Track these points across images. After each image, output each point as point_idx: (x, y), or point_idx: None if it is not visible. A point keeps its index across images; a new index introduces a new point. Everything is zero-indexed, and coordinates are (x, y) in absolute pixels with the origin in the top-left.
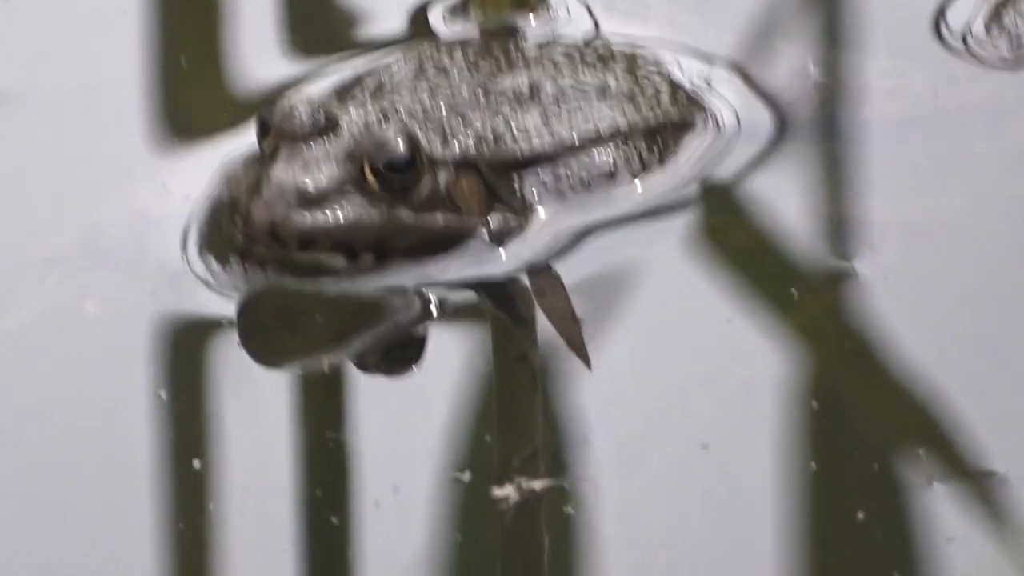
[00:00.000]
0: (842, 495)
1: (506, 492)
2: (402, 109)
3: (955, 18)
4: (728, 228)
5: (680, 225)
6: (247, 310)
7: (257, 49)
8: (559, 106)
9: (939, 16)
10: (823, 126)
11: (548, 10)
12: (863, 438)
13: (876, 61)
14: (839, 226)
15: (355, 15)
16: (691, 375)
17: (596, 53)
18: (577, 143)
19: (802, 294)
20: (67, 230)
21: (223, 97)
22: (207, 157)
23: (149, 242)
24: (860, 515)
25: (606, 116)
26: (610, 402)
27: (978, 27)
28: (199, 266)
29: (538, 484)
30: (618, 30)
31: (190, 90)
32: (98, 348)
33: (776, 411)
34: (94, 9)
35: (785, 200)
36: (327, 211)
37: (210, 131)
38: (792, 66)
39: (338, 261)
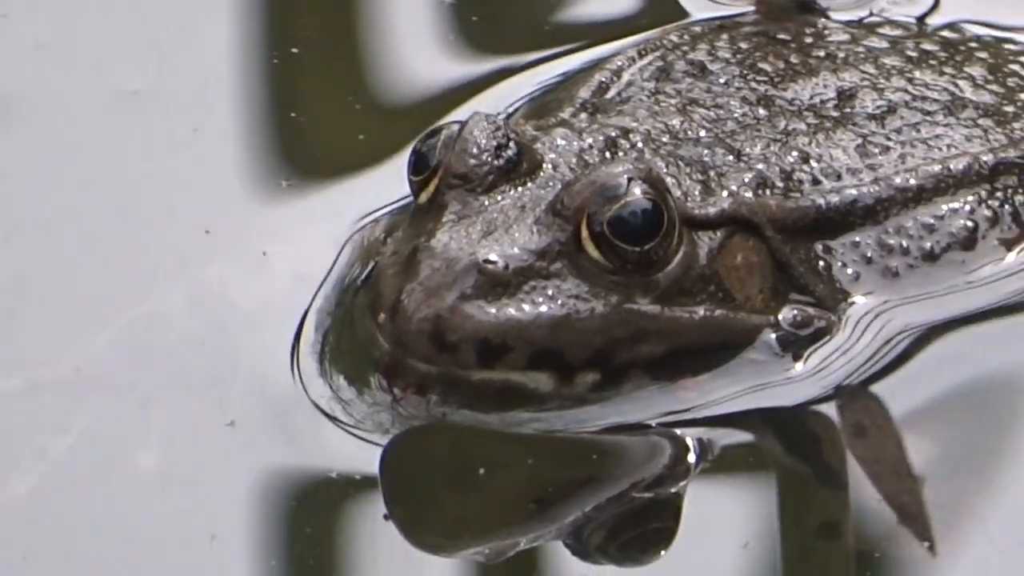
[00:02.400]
0: None
1: None
2: (638, 136)
3: None
4: None
5: None
6: (398, 461)
7: (411, 38)
8: (885, 129)
9: None
10: None
11: None
12: None
13: None
14: None
15: None
16: None
17: (941, 44)
18: (915, 189)
19: None
20: (107, 329)
21: (360, 114)
22: (332, 209)
23: (238, 349)
24: None
25: (960, 145)
26: None
27: None
28: (319, 389)
29: None
30: (975, 6)
31: (308, 105)
32: (161, 530)
33: None
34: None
35: None
36: (523, 302)
37: (338, 167)
38: None
39: (542, 382)
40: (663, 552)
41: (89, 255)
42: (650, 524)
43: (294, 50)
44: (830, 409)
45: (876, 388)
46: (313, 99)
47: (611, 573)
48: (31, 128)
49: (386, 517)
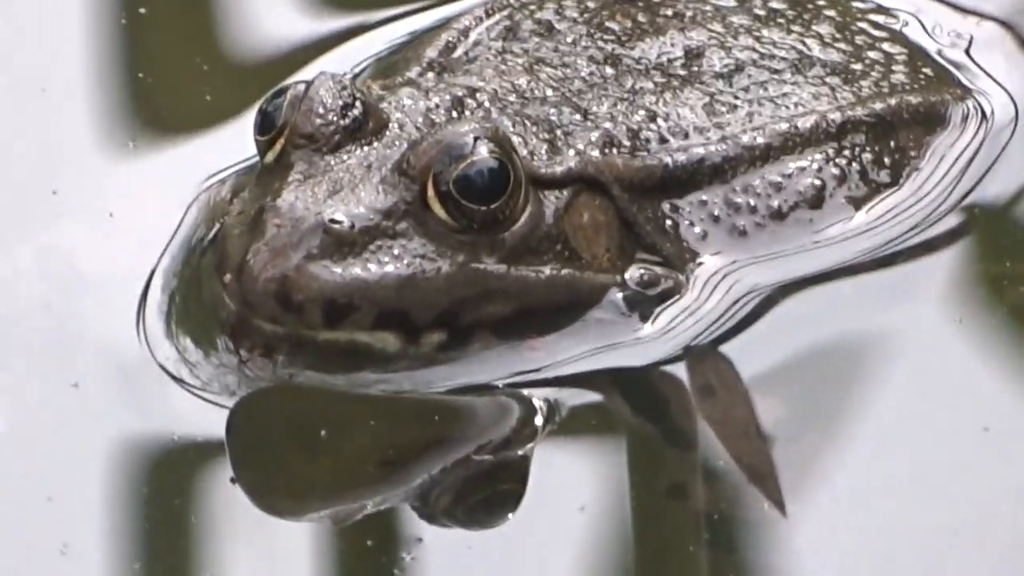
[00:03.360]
0: None
1: None
2: (485, 95)
3: None
4: (1007, 280)
5: (930, 278)
6: (244, 424)
7: (259, 2)
8: (733, 88)
9: None
10: None
11: None
12: None
13: None
14: None
15: None
16: (951, 521)
17: (790, 1)
18: (763, 147)
19: None
20: None
21: (207, 73)
22: (179, 170)
23: (85, 312)
24: None
25: (807, 103)
26: (818, 563)
27: None
28: (166, 351)
29: None
30: None
31: (151, 62)
32: (16, 493)
33: None
34: None
35: None
36: (368, 261)
37: (185, 127)
38: None
39: (388, 342)
40: (510, 515)
41: None
42: (498, 487)
43: (142, 10)
44: (678, 369)
45: (725, 348)
46: (161, 59)
47: (457, 535)
48: None
49: (233, 480)
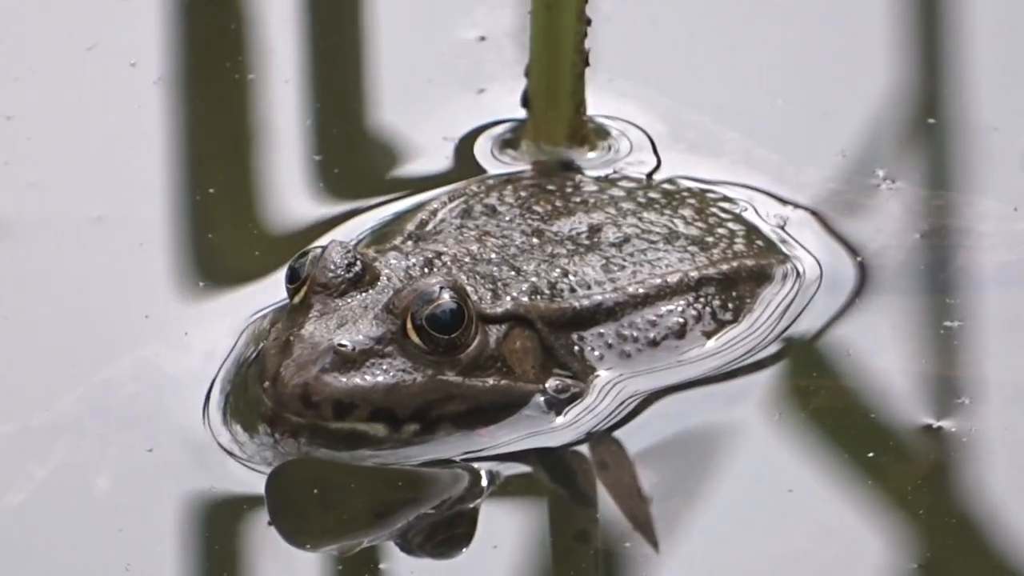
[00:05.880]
0: None
1: None
2: (448, 257)
3: None
4: (812, 390)
5: (759, 387)
6: (278, 485)
7: (291, 185)
8: (622, 253)
9: None
10: (916, 275)
11: (607, 144)
12: None
13: (973, 203)
14: (935, 385)
15: (396, 150)
16: (773, 556)
17: (662, 193)
18: (643, 296)
19: (896, 461)
20: (75, 390)
21: (255, 237)
22: (234, 307)
23: (167, 405)
24: None
25: (674, 264)
26: None
27: None
28: (224, 435)
29: None
30: (686, 166)
31: (217, 228)
32: (110, 530)
33: None
34: (111, 130)
35: (874, 357)
36: (365, 373)
37: (239, 277)
38: (879, 208)
39: (378, 430)
40: (464, 550)
41: (66, 336)
42: (455, 531)
43: (211, 191)
44: (583, 450)
45: (616, 435)
46: (224, 226)
47: (427, 564)
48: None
49: (269, 524)
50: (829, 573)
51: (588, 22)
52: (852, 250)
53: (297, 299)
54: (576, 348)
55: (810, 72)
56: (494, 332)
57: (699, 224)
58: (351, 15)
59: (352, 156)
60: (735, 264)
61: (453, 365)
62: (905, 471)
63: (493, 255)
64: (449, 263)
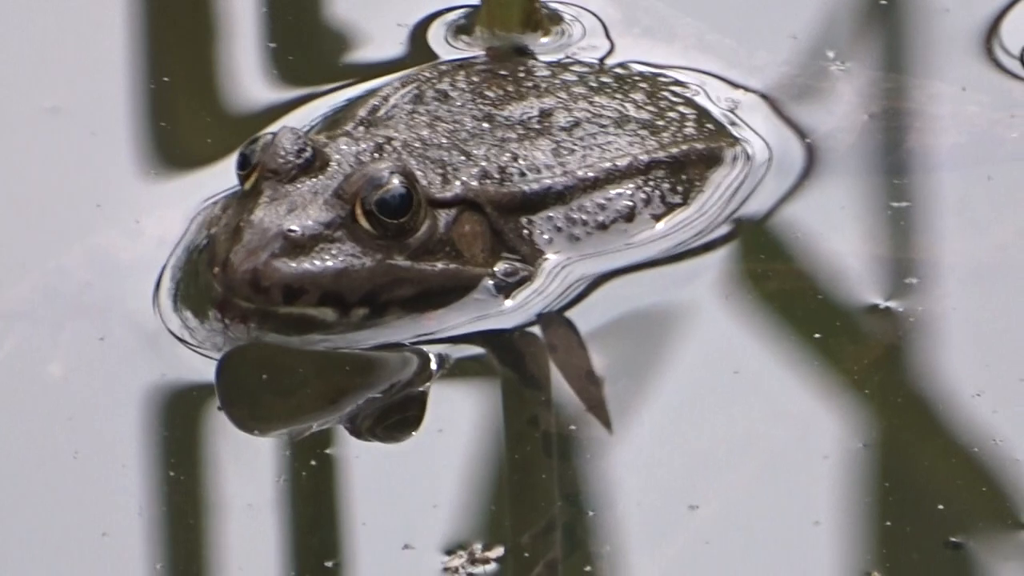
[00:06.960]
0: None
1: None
2: (398, 143)
3: (1012, 39)
4: (763, 272)
5: (709, 270)
6: (228, 370)
7: (246, 72)
8: (572, 137)
9: (992, 36)
10: (866, 157)
11: (561, 29)
12: (923, 504)
13: (924, 85)
14: (885, 266)
15: (349, 37)
16: (726, 437)
17: (614, 77)
18: (592, 179)
19: (848, 342)
20: (27, 277)
21: (208, 125)
22: (187, 193)
23: (119, 292)
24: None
25: (624, 148)
26: (634, 469)
27: None
28: (174, 321)
29: (554, 562)
30: (638, 51)
31: (171, 116)
32: (63, 415)
33: (822, 477)
34: (65, 20)
35: (825, 239)
36: (315, 258)
37: (191, 163)
38: (830, 91)
39: (328, 314)
40: (414, 433)
41: (18, 224)
42: (406, 414)
43: (165, 79)
44: (533, 332)
45: (567, 316)
46: (178, 114)
47: (377, 447)
48: None
49: (219, 409)
50: (781, 454)
51: None
52: (802, 133)
53: (248, 185)
54: (525, 232)
55: None
56: (443, 216)
57: (650, 108)
58: None
59: (306, 43)
60: (685, 147)
61: (402, 249)
62: (855, 352)
63: (443, 140)
64: (399, 148)
